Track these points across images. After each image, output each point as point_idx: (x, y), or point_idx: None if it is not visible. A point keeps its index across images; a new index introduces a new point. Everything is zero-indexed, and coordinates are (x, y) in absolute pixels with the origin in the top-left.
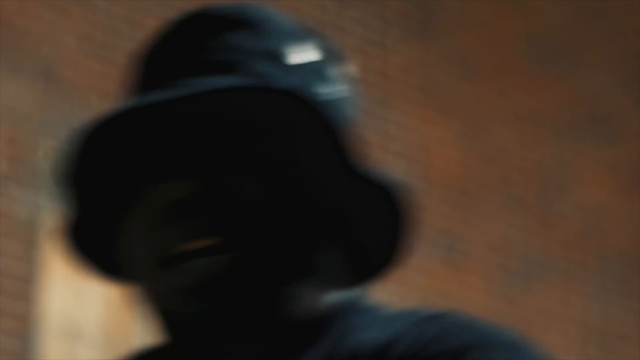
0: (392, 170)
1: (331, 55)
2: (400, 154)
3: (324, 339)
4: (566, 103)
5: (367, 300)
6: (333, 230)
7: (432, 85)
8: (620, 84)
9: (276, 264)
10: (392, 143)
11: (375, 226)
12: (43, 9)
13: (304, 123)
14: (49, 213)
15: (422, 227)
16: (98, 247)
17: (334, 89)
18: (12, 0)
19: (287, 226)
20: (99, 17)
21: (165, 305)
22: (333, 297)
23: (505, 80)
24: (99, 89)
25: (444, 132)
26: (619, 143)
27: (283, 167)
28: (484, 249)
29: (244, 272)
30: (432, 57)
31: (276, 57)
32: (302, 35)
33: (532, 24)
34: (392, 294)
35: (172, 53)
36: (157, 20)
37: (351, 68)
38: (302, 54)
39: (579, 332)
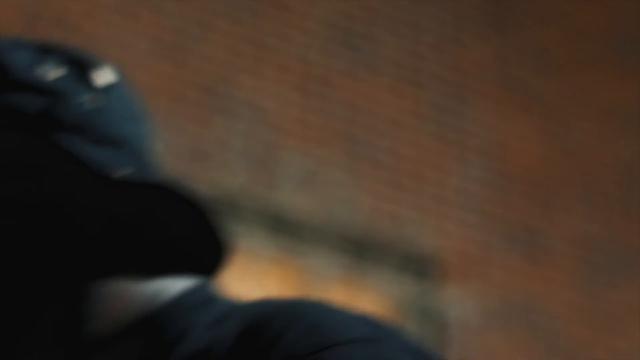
0: (470, 166)
1: (82, 64)
2: (479, 151)
3: (150, 339)
4: None
5: (207, 294)
6: (122, 237)
7: (510, 81)
8: None
9: (40, 291)
10: (470, 139)
11: (178, 223)
12: (111, 14)
13: (43, 156)
14: None
15: (503, 224)
16: None
17: (91, 96)
18: (80, 5)
19: (45, 253)
20: (168, 19)
21: None
22: (162, 294)
23: (586, 74)
24: (168, 91)
25: (523, 128)
26: None
27: (34, 199)
28: (566, 244)
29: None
30: (509, 51)
31: (23, 85)
32: (41, 55)
33: (613, 15)
34: (473, 292)
35: None
36: (227, 21)
37: (110, 72)
38: (48, 74)
39: None
